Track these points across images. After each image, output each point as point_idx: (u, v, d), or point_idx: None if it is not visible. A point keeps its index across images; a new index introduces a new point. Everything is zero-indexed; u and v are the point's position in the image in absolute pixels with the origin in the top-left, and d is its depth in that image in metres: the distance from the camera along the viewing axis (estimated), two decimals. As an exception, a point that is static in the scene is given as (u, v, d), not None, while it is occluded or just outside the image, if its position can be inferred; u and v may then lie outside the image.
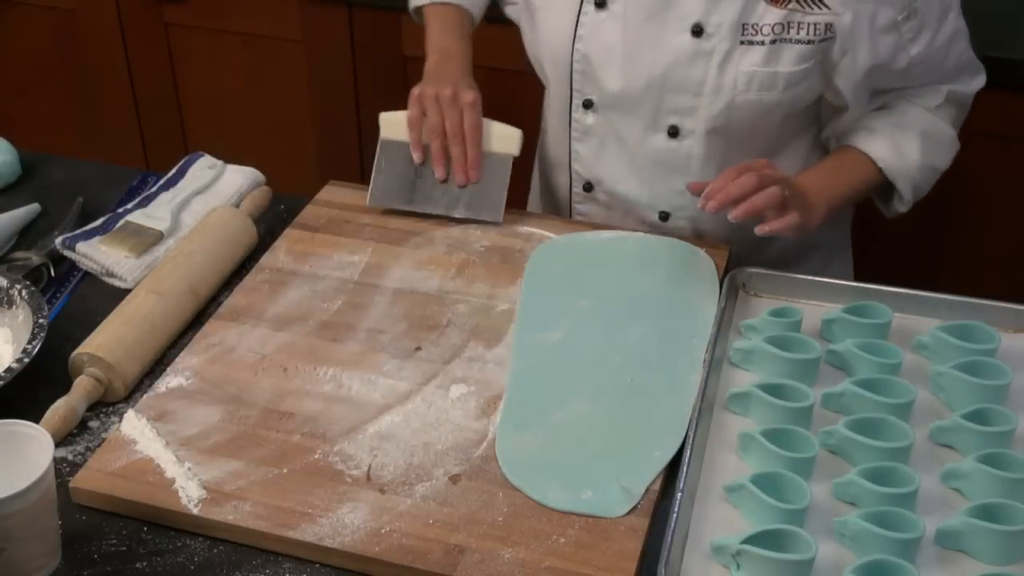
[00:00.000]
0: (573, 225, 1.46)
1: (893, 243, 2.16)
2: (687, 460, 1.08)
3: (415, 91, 1.43)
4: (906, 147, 1.39)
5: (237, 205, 1.48)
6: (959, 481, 1.08)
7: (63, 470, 1.11)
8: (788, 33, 1.31)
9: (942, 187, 2.07)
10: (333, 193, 1.51)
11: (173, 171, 1.56)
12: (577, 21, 1.38)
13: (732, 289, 1.31)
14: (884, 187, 1.43)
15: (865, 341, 1.20)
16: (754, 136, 1.39)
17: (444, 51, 1.49)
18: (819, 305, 1.30)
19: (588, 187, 1.50)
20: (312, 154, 2.47)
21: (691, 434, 1.11)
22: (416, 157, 1.43)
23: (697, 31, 1.31)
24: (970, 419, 1.11)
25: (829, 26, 1.30)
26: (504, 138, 1.44)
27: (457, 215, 1.43)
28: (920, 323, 1.27)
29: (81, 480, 1.09)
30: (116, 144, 2.63)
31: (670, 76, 1.34)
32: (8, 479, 0.96)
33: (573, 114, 1.45)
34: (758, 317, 1.26)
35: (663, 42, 1.33)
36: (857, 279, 1.31)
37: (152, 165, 2.59)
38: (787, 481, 1.04)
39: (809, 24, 1.30)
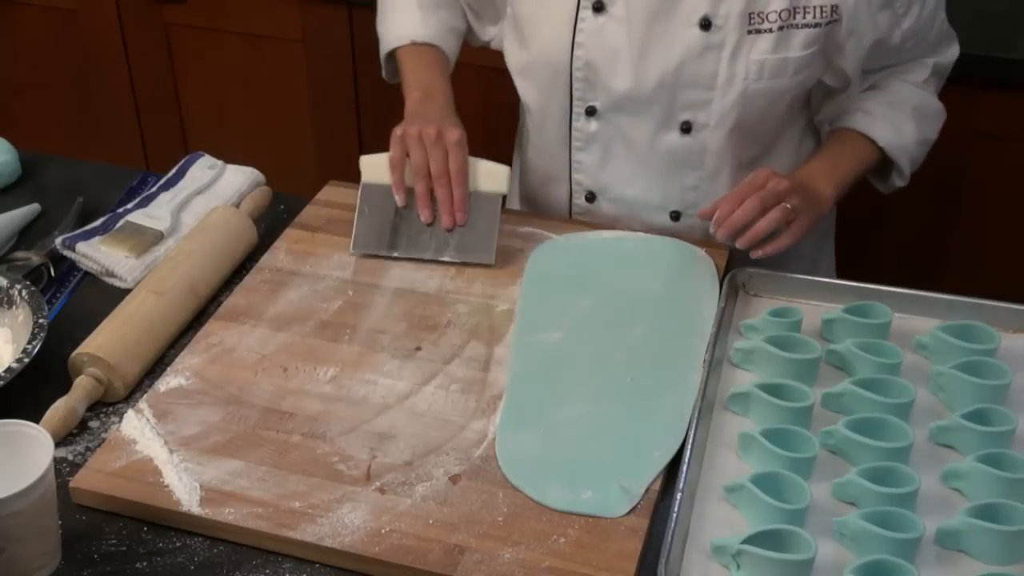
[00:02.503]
0: (573, 225, 1.46)
1: (893, 243, 2.16)
2: (687, 460, 1.08)
3: (397, 131, 1.37)
4: (902, 125, 1.43)
5: (237, 205, 1.48)
6: (959, 481, 1.08)
7: (63, 470, 1.11)
8: (795, 18, 1.31)
9: (942, 187, 2.08)
10: (333, 193, 1.51)
11: (173, 171, 1.56)
12: (575, 28, 1.36)
13: (732, 289, 1.31)
14: (882, 165, 1.46)
15: (865, 341, 1.20)
16: (763, 124, 1.40)
17: (426, 88, 1.44)
18: (819, 305, 1.30)
19: (591, 197, 1.47)
20: (312, 154, 2.47)
21: (691, 434, 1.11)
22: (399, 200, 1.38)
23: (705, 24, 1.31)
24: (970, 419, 1.11)
25: (835, 8, 1.31)
26: (491, 176, 1.38)
27: (447, 259, 1.36)
28: (920, 323, 1.27)
29: (81, 480, 1.09)
30: (116, 144, 2.63)
31: (682, 72, 1.34)
32: (8, 479, 0.96)
33: (574, 123, 1.42)
34: (758, 317, 1.26)
35: (672, 38, 1.32)
36: (857, 279, 1.31)
37: (152, 165, 2.59)
38: (787, 481, 1.04)
39: (815, 7, 1.31)
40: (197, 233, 1.39)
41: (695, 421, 1.12)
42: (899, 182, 1.48)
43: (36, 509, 0.98)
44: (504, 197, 1.39)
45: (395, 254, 1.37)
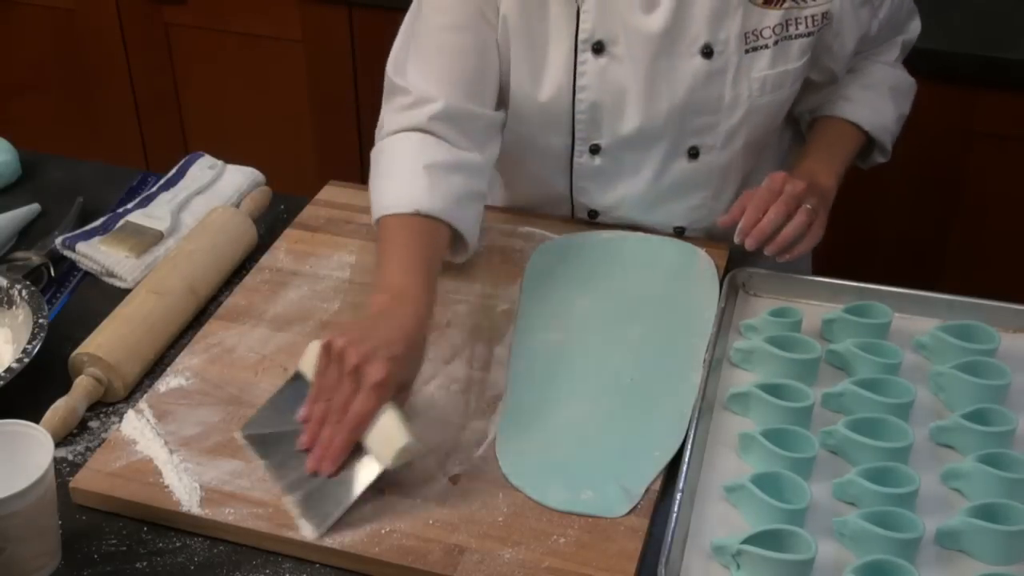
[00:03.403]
0: (573, 225, 1.46)
1: (893, 243, 2.16)
2: (687, 460, 1.08)
3: (330, 337, 1.09)
4: (881, 105, 1.46)
5: (237, 205, 1.48)
6: (959, 481, 1.08)
7: (63, 470, 1.11)
8: (788, 31, 1.31)
9: (942, 187, 2.08)
10: (333, 193, 1.51)
11: (173, 171, 1.56)
12: (575, 71, 1.32)
13: (732, 289, 1.31)
14: (865, 146, 1.48)
15: (865, 341, 1.20)
16: (766, 136, 1.41)
17: (396, 293, 1.16)
18: (819, 305, 1.30)
19: (593, 214, 1.45)
20: (312, 154, 2.47)
21: (691, 434, 1.11)
22: (300, 414, 1.11)
23: (707, 52, 1.30)
24: (970, 419, 1.11)
25: (826, 14, 1.32)
26: (385, 441, 1.06)
27: (285, 501, 1.07)
28: (920, 323, 1.27)
29: (81, 480, 1.09)
30: (116, 144, 2.63)
31: (690, 102, 1.33)
32: (8, 479, 0.96)
33: (576, 160, 1.39)
34: (758, 317, 1.26)
35: (677, 71, 1.31)
36: (857, 279, 1.31)
37: (152, 165, 2.59)
38: (787, 481, 1.04)
39: (807, 17, 1.31)
40: (197, 233, 1.39)
41: (695, 421, 1.12)
42: (881, 158, 1.50)
43: (36, 509, 0.98)
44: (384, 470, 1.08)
45: (262, 461, 1.12)
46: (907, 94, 1.51)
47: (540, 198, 1.48)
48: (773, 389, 1.14)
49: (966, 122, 1.99)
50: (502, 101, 1.37)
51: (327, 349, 1.09)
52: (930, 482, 1.07)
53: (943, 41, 1.94)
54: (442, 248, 1.26)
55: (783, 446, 1.08)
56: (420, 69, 1.32)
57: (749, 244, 1.26)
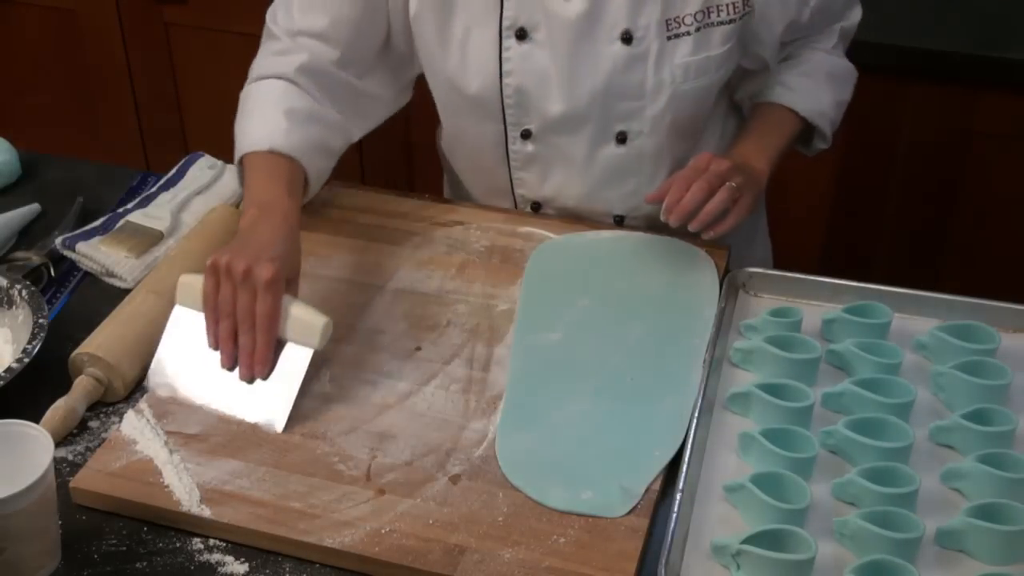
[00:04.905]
0: (573, 225, 1.46)
1: (893, 243, 2.16)
2: (687, 460, 1.08)
3: (212, 258, 1.17)
4: (819, 92, 1.47)
5: (237, 205, 1.48)
6: (959, 481, 1.08)
7: (63, 470, 1.11)
8: (710, 17, 1.33)
9: (942, 187, 2.08)
10: (332, 193, 1.51)
11: (173, 171, 1.56)
12: (500, 56, 1.35)
13: (732, 289, 1.31)
14: (805, 132, 1.50)
15: (865, 341, 1.20)
16: (694, 121, 1.42)
17: (263, 205, 1.24)
18: (819, 305, 1.30)
19: (536, 207, 1.49)
20: (312, 154, 2.46)
21: (691, 434, 1.11)
22: (210, 341, 1.18)
23: (627, 38, 1.32)
24: (970, 419, 1.11)
25: (747, 1, 1.34)
26: (306, 328, 1.16)
27: (236, 415, 1.16)
28: (920, 323, 1.27)
29: (81, 480, 1.09)
30: (116, 144, 2.63)
31: (611, 87, 1.35)
32: (8, 479, 0.96)
33: (510, 146, 1.42)
34: (758, 317, 1.26)
35: (597, 56, 1.34)
36: (857, 279, 1.31)
37: (152, 165, 2.59)
38: (787, 481, 1.04)
39: (728, 5, 1.33)
40: (197, 233, 1.39)
41: (695, 421, 1.12)
42: (821, 145, 1.51)
43: (36, 509, 0.98)
44: (315, 353, 1.18)
45: (189, 397, 1.18)
46: (845, 80, 1.52)
47: (484, 190, 1.52)
48: (773, 389, 1.14)
49: (966, 122, 1.99)
50: (397, 82, 1.45)
51: (213, 268, 1.16)
52: (930, 482, 1.07)
53: (943, 41, 1.94)
54: (299, 180, 1.33)
55: (783, 446, 1.08)
56: (296, 15, 1.39)
57: (672, 221, 1.27)
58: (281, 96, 1.37)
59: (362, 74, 1.42)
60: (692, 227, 1.27)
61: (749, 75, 1.47)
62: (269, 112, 1.35)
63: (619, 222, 1.46)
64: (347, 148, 1.43)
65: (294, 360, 1.17)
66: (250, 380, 1.16)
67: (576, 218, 1.47)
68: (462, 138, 1.48)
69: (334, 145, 1.40)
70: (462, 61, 1.37)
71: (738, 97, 1.51)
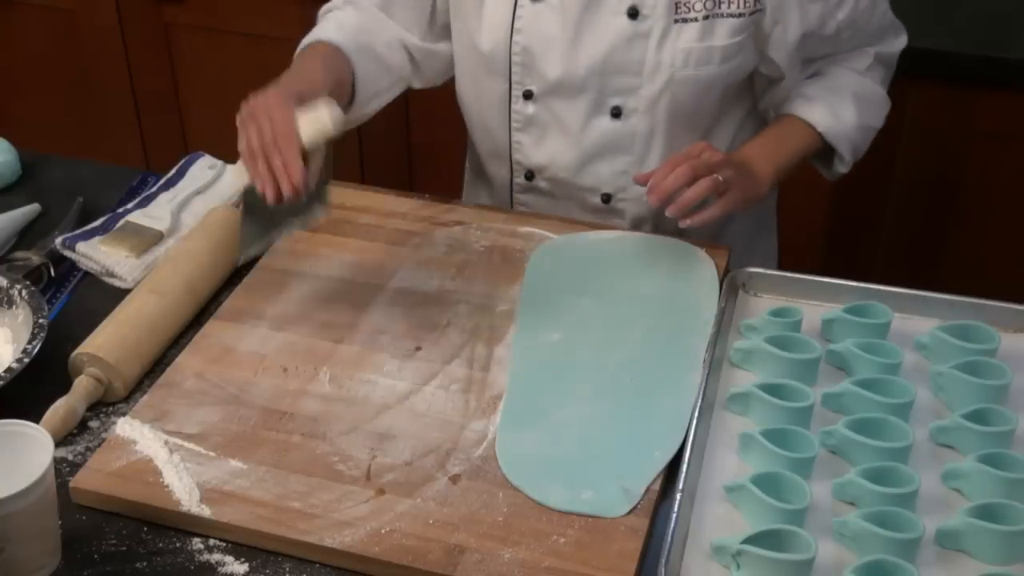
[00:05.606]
0: (573, 225, 1.46)
1: (893, 243, 2.16)
2: (687, 460, 1.08)
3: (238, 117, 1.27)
4: (842, 110, 1.44)
5: (237, 205, 1.47)
6: (959, 481, 1.08)
7: (63, 470, 1.11)
8: (720, 8, 1.34)
9: (942, 187, 2.08)
10: (333, 193, 1.50)
11: (173, 171, 1.56)
12: (514, 15, 1.39)
13: (732, 289, 1.31)
14: (824, 151, 1.48)
15: (865, 341, 1.20)
16: (696, 111, 1.42)
17: (292, 69, 1.35)
18: (819, 305, 1.30)
19: (530, 175, 1.51)
20: (312, 154, 2.46)
21: (691, 434, 1.11)
22: (258, 186, 1.22)
23: (633, 13, 1.34)
24: (970, 419, 1.11)
25: None
26: (314, 122, 1.23)
27: (303, 228, 1.32)
28: (920, 323, 1.27)
29: (81, 480, 1.09)
30: (116, 144, 2.63)
31: (610, 59, 1.37)
32: (8, 479, 0.96)
33: (513, 106, 1.45)
34: (758, 317, 1.26)
35: (601, 27, 1.36)
36: (857, 279, 1.31)
37: (152, 165, 2.59)
38: (787, 481, 1.04)
39: None
40: (197, 233, 1.39)
41: (695, 421, 1.12)
42: (841, 168, 1.50)
43: (36, 509, 0.98)
44: (331, 139, 1.25)
45: (274, 243, 1.36)
46: (876, 105, 1.49)
47: (488, 152, 1.55)
48: (773, 389, 1.14)
49: (966, 122, 1.99)
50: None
51: (241, 124, 1.24)
52: (930, 482, 1.07)
53: (943, 41, 1.94)
54: (340, 66, 1.38)
55: (783, 446, 1.08)
56: None
57: (652, 201, 1.28)
58: (335, 19, 1.47)
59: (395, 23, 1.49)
60: (669, 212, 1.27)
61: (773, 84, 1.46)
62: (320, 26, 1.45)
63: (606, 201, 1.47)
64: (403, 76, 1.50)
65: (312, 159, 1.22)
66: (295, 197, 1.20)
67: (566, 194, 1.48)
68: (472, 94, 1.51)
69: (386, 56, 1.47)
70: (481, 18, 1.41)
71: (762, 107, 1.50)
